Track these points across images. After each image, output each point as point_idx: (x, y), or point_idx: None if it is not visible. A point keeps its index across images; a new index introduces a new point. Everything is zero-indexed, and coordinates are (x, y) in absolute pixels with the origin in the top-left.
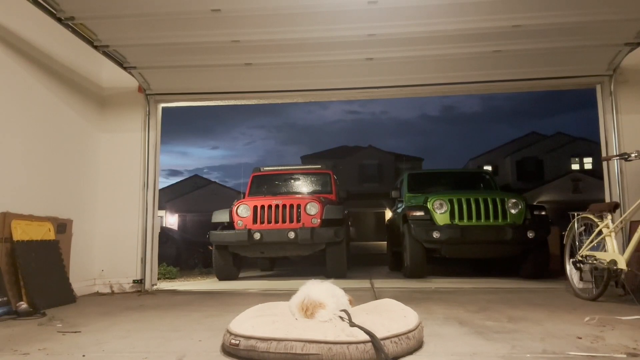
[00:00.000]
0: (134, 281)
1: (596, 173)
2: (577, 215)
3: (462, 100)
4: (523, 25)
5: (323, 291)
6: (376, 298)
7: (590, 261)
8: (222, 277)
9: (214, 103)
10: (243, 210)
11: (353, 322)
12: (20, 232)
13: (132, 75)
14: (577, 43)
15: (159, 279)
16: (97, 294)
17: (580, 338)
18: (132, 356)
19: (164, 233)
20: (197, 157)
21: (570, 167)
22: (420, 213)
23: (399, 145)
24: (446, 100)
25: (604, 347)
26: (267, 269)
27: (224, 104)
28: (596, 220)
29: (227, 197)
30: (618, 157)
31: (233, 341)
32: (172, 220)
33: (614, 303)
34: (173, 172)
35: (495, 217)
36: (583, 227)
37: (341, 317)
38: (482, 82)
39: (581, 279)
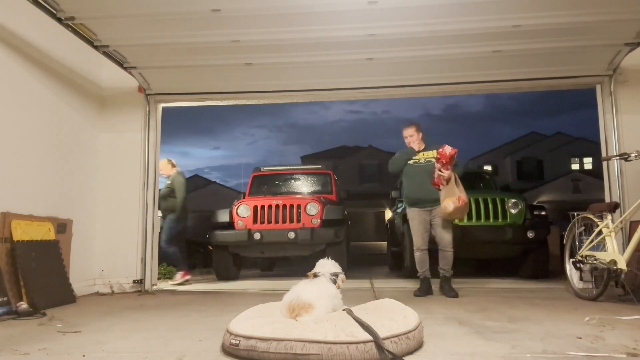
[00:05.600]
0: (134, 281)
1: (596, 173)
2: (577, 215)
3: (465, 99)
4: (523, 25)
5: (315, 292)
6: (376, 298)
7: (590, 261)
8: (222, 277)
9: (214, 103)
10: (243, 210)
11: (357, 317)
12: (21, 232)
13: (132, 75)
14: (577, 43)
15: (158, 279)
16: (97, 294)
17: (580, 338)
18: (132, 356)
19: None
20: (198, 157)
21: (570, 167)
22: None
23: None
24: (449, 98)
25: (604, 347)
26: (267, 269)
27: (224, 104)
28: (596, 220)
29: (228, 197)
30: (618, 157)
31: (233, 341)
32: None
33: (614, 303)
34: None
35: (495, 217)
36: (583, 227)
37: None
38: (482, 82)
39: (581, 279)
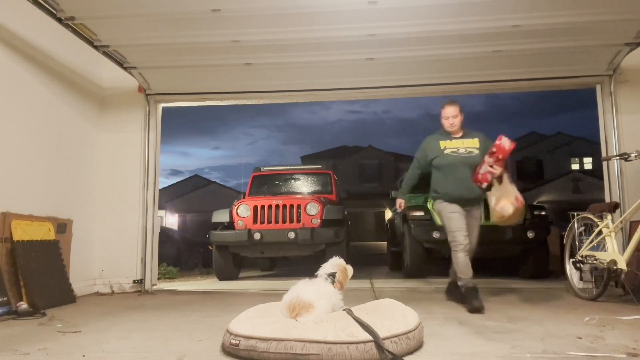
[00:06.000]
0: (134, 281)
1: (596, 173)
2: (577, 215)
3: (465, 99)
4: (523, 25)
5: (314, 292)
6: (376, 298)
7: (590, 261)
8: (222, 277)
9: (214, 103)
10: (243, 210)
11: (357, 317)
12: (21, 232)
13: (132, 75)
14: (577, 43)
15: (159, 279)
16: (97, 294)
17: (580, 338)
18: (132, 356)
19: (164, 233)
20: (199, 157)
21: (570, 167)
22: (420, 213)
23: (401, 145)
24: (449, 98)
25: (604, 347)
26: (267, 269)
27: (224, 104)
28: (596, 220)
29: (227, 197)
30: (618, 157)
31: (233, 341)
32: (172, 220)
33: (614, 303)
34: (174, 172)
35: None
36: (583, 227)
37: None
38: (482, 82)
39: (581, 279)
